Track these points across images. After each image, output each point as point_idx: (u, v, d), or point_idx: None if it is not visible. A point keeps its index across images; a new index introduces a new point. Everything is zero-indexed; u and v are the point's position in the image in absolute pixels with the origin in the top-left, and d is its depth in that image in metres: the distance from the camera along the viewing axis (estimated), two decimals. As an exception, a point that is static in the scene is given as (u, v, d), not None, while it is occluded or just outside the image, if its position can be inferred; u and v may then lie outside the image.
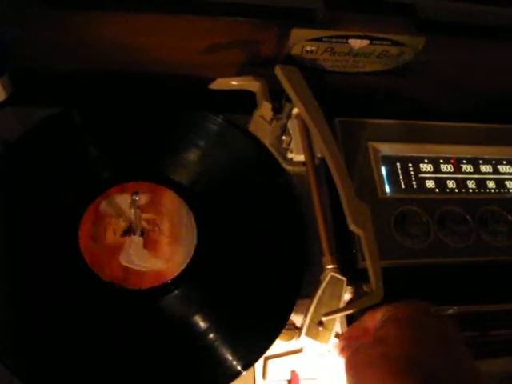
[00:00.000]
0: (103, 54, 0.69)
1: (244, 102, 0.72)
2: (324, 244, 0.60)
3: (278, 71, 0.64)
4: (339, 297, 0.57)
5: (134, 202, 0.57)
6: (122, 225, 0.62)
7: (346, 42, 0.70)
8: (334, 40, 0.70)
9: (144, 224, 0.62)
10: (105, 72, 0.70)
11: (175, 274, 0.60)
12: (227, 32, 0.69)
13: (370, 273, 0.56)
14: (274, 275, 0.63)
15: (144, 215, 0.62)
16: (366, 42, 0.70)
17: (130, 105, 0.69)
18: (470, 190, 0.76)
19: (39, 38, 0.68)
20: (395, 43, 0.71)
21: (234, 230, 0.64)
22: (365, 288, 0.56)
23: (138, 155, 0.66)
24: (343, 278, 0.57)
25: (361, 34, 0.69)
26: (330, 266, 0.59)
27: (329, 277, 0.57)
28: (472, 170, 0.78)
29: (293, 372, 0.59)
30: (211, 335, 0.58)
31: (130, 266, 0.60)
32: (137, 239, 0.61)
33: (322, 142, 0.60)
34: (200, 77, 0.70)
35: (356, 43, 0.71)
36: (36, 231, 0.60)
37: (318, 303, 0.56)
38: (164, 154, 0.66)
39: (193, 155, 0.67)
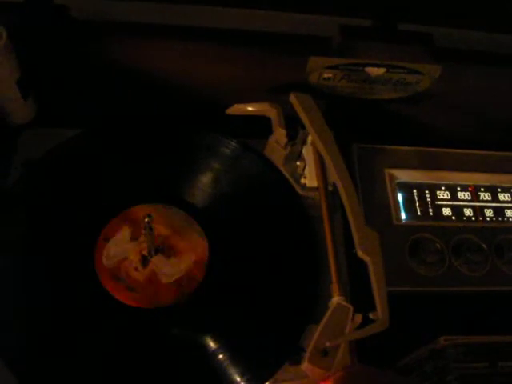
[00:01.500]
0: (125, 79, 0.72)
1: (262, 127, 0.73)
2: (333, 271, 0.60)
3: (293, 99, 0.65)
4: (345, 324, 0.57)
5: (147, 224, 0.59)
6: (136, 259, 0.63)
7: (363, 70, 0.71)
8: (350, 68, 0.71)
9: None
10: (125, 96, 0.73)
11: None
12: (245, 60, 0.71)
13: (376, 300, 0.56)
14: (285, 299, 0.64)
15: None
16: (382, 70, 0.71)
17: (147, 128, 0.70)
18: (488, 219, 0.76)
19: (74, 65, 0.71)
20: (412, 71, 0.72)
21: (247, 253, 0.65)
22: (371, 316, 0.56)
23: (153, 178, 0.68)
24: (349, 306, 0.58)
25: (377, 62, 0.70)
26: (337, 294, 0.59)
27: (335, 304, 0.58)
28: (490, 199, 0.78)
29: (300, 398, 0.59)
30: (220, 356, 0.59)
31: (173, 279, 0.62)
32: (157, 259, 0.63)
33: (334, 169, 0.61)
34: (219, 101, 0.72)
35: (373, 71, 0.71)
36: (53, 253, 0.62)
37: (323, 330, 0.56)
38: (179, 177, 0.68)
39: (207, 178, 0.68)
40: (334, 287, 0.60)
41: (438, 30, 0.70)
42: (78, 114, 0.72)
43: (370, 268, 0.57)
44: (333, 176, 0.62)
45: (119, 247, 0.63)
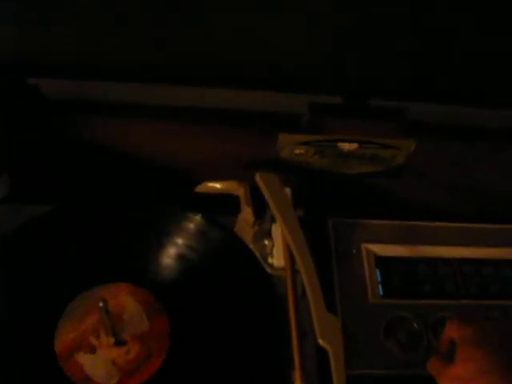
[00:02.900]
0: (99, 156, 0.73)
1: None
2: (295, 356, 0.59)
3: (259, 179, 0.65)
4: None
5: (102, 308, 0.58)
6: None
7: (336, 146, 0.71)
8: (322, 144, 0.70)
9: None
10: (97, 172, 0.73)
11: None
12: (217, 137, 0.71)
13: (336, 390, 0.54)
14: (248, 378, 0.62)
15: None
16: (354, 146, 0.71)
17: (113, 205, 0.71)
18: (471, 295, 0.73)
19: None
20: (385, 146, 0.71)
21: (211, 332, 0.64)
22: (331, 406, 0.55)
23: (117, 257, 0.68)
24: (310, 395, 0.56)
25: (348, 138, 0.69)
26: (299, 381, 0.57)
27: (296, 392, 0.56)
28: (473, 273, 0.75)
29: None
30: None
31: None
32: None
33: (295, 252, 0.59)
34: (192, 178, 0.72)
35: (345, 146, 0.71)
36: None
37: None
38: (142, 254, 0.68)
39: (171, 254, 0.68)
40: (297, 374, 0.58)
41: (409, 104, 0.69)
42: (52, 191, 0.72)
43: (331, 357, 0.55)
44: (295, 258, 0.61)
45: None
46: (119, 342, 0.62)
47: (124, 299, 0.64)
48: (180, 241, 0.68)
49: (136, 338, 0.62)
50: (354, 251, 0.74)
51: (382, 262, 0.74)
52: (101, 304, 0.57)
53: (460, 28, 0.60)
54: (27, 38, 0.64)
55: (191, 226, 0.69)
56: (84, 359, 0.61)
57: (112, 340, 0.61)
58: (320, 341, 0.56)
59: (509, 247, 0.77)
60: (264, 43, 0.63)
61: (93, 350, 0.61)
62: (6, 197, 0.74)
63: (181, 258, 0.67)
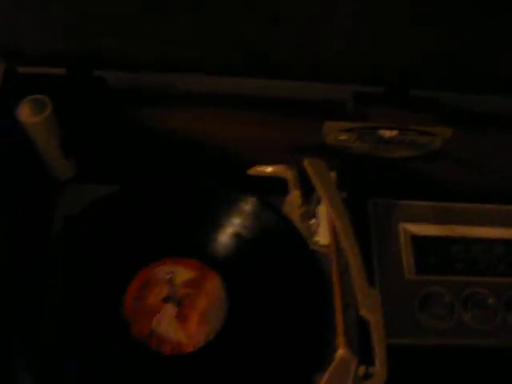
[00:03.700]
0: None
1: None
2: (339, 323, 0.64)
3: (307, 164, 0.70)
4: (349, 376, 0.61)
5: (169, 280, 0.65)
6: (165, 291, 0.68)
7: (376, 132, 0.76)
8: (364, 130, 0.76)
9: (182, 295, 0.69)
10: (156, 154, 0.80)
11: (192, 349, 0.65)
12: (269, 124, 0.77)
13: (376, 358, 0.60)
14: (292, 353, 0.67)
15: (183, 290, 0.69)
16: (395, 133, 0.76)
17: (175, 187, 0.77)
18: (502, 273, 0.78)
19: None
20: (424, 133, 0.76)
21: (264, 302, 0.69)
22: (370, 370, 0.60)
23: (179, 233, 0.74)
24: (354, 358, 0.61)
25: (389, 125, 0.75)
26: (342, 346, 0.63)
27: (339, 358, 0.62)
28: (505, 253, 0.80)
29: None
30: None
31: (157, 330, 0.66)
32: (171, 309, 0.68)
33: (341, 232, 0.65)
34: (245, 160, 0.78)
35: (385, 133, 0.76)
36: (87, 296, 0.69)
37: (327, 382, 0.61)
38: (202, 232, 0.74)
39: (229, 233, 0.74)
40: (340, 340, 0.64)
41: (446, 94, 0.74)
42: (115, 173, 0.79)
43: (372, 327, 0.61)
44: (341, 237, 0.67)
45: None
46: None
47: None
48: (237, 220, 0.74)
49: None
50: (392, 230, 0.79)
51: (417, 240, 0.79)
52: (169, 276, 0.64)
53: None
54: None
55: (247, 206, 0.75)
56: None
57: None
58: (362, 311, 0.62)
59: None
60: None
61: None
62: (73, 178, 0.81)
63: (237, 236, 0.73)
